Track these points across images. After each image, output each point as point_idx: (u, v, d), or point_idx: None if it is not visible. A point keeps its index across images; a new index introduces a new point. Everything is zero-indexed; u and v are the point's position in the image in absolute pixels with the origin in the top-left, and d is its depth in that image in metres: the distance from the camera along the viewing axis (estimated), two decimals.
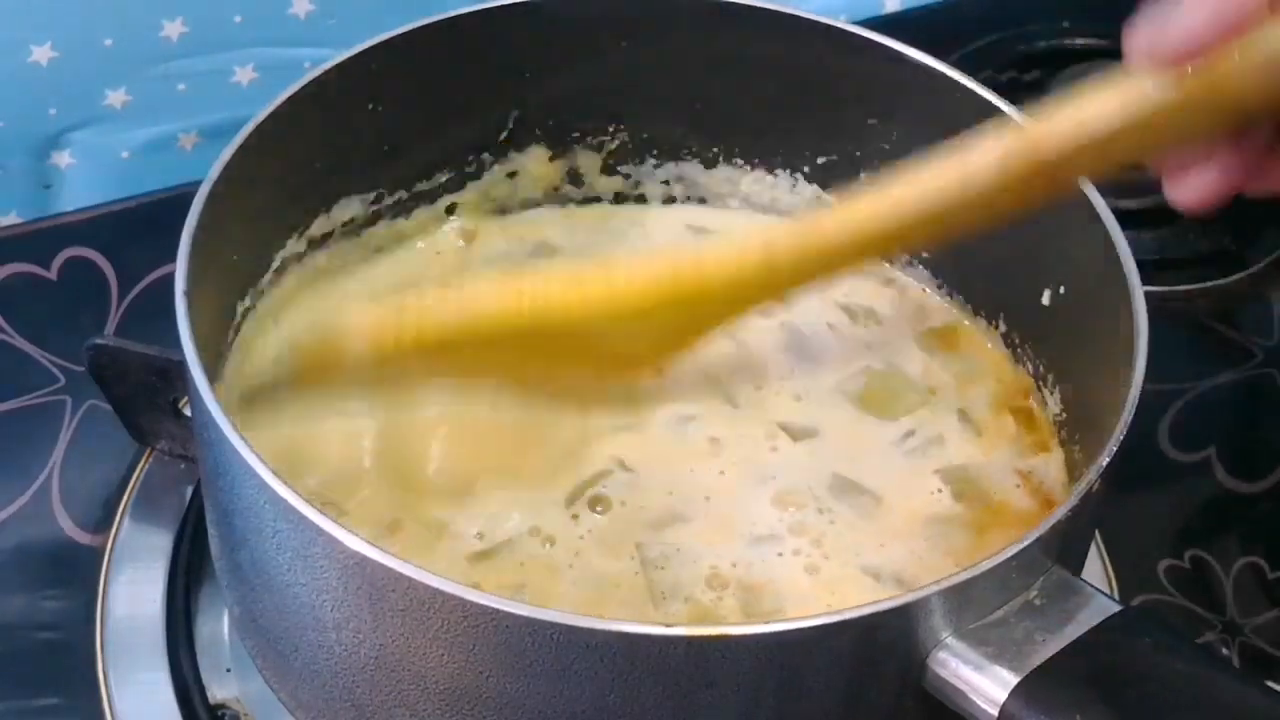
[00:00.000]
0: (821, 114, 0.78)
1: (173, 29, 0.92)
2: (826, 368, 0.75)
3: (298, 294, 0.75)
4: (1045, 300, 0.72)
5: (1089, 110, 0.59)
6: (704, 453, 0.71)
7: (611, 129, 0.81)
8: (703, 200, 0.82)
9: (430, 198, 0.79)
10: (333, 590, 0.58)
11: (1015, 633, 0.58)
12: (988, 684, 0.57)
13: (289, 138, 0.70)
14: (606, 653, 0.55)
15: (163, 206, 0.90)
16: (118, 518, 0.78)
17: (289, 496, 0.57)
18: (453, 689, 0.58)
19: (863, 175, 0.79)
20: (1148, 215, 0.93)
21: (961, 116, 0.73)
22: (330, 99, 0.71)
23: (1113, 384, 0.63)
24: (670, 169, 0.82)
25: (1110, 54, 1.02)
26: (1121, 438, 0.60)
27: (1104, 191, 0.68)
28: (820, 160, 0.80)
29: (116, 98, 0.94)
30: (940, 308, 0.78)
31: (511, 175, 0.81)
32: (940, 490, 0.70)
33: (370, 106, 0.74)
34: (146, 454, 0.80)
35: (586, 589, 0.66)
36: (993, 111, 0.72)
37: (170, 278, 0.63)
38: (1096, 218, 0.67)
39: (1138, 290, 0.65)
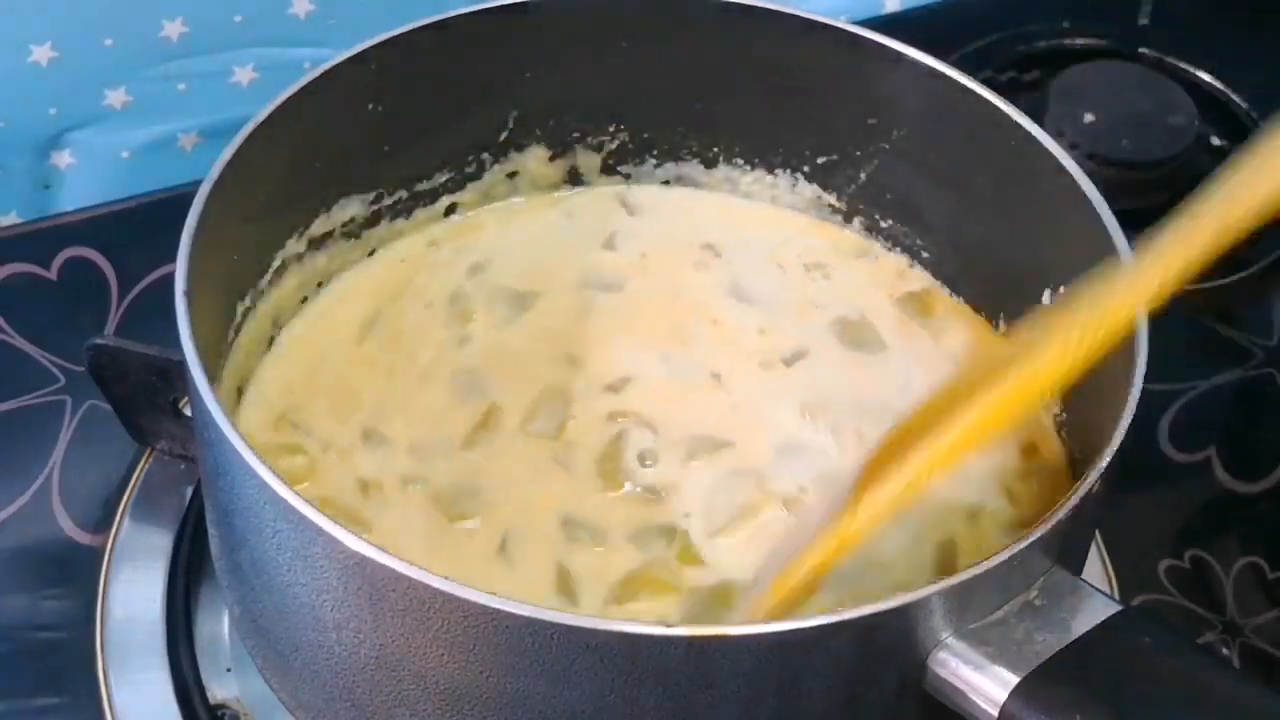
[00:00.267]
0: (822, 114, 0.78)
1: (173, 29, 0.92)
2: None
3: (298, 294, 0.75)
4: (1045, 300, 0.72)
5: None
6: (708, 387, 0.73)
7: (611, 129, 0.81)
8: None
9: (430, 198, 0.79)
10: (333, 590, 0.58)
11: (1015, 633, 0.58)
12: (988, 684, 0.57)
13: (289, 138, 0.70)
14: (606, 653, 0.55)
15: (163, 206, 0.90)
16: (118, 518, 0.78)
17: (289, 496, 0.57)
18: (453, 689, 0.58)
19: (863, 175, 0.79)
20: (1148, 215, 0.93)
21: (961, 116, 0.73)
22: (330, 99, 0.71)
23: (1113, 384, 0.63)
24: (670, 169, 0.82)
25: (1110, 54, 1.03)
26: (1121, 438, 0.60)
27: (1104, 191, 0.68)
28: (820, 160, 0.80)
29: (116, 98, 0.94)
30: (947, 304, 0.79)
31: (511, 175, 0.81)
32: None
33: (370, 106, 0.74)
34: (146, 454, 0.80)
35: None
36: (993, 111, 0.72)
37: (170, 278, 0.63)
38: (1096, 218, 0.67)
39: None
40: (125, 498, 0.79)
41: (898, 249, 0.79)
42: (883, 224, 0.80)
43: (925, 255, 0.79)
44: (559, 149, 0.81)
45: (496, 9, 0.75)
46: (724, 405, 0.72)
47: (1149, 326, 0.64)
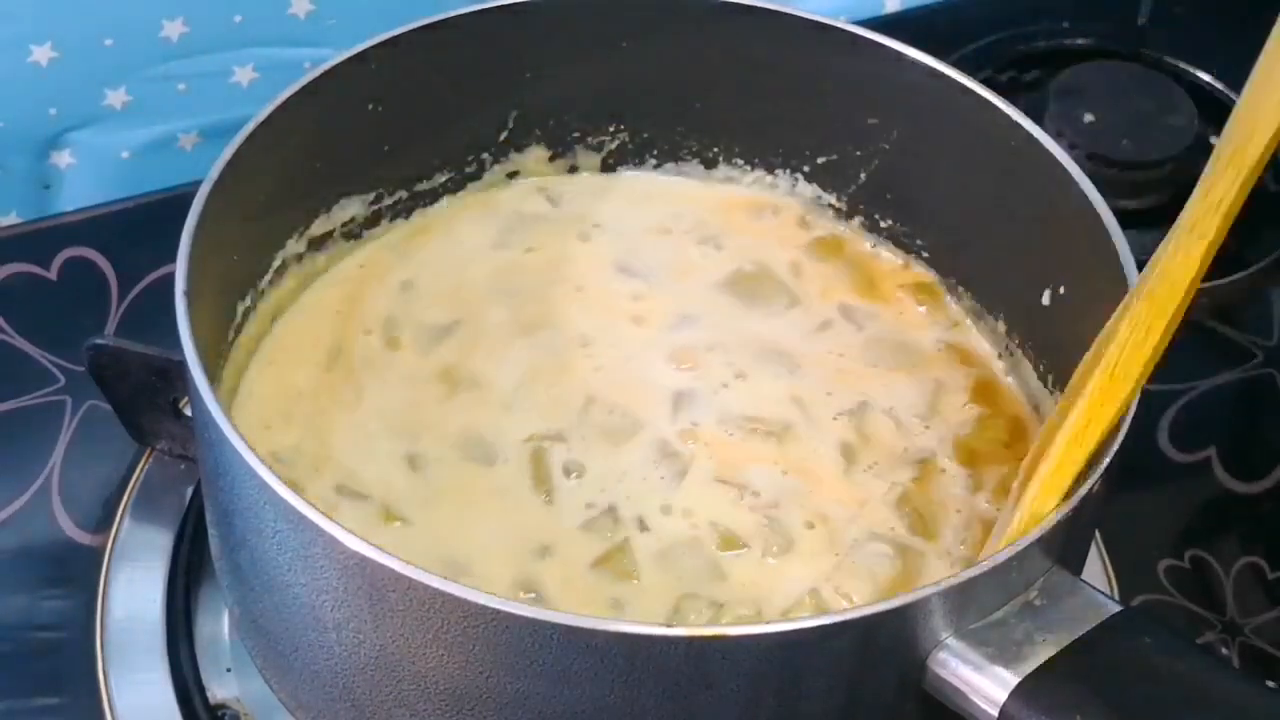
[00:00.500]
0: (821, 114, 0.78)
1: (173, 29, 0.92)
2: None
3: (298, 294, 0.75)
4: (1045, 300, 0.72)
5: None
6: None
7: (611, 129, 0.81)
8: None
9: (430, 198, 0.79)
10: (333, 590, 0.58)
11: (1015, 633, 0.58)
12: (988, 684, 0.57)
13: (289, 138, 0.70)
14: (606, 653, 0.55)
15: (163, 206, 0.90)
16: (118, 518, 0.78)
17: (289, 496, 0.57)
18: (453, 689, 0.58)
19: (863, 175, 0.79)
20: (1148, 215, 0.93)
21: (961, 116, 0.73)
22: (330, 99, 0.71)
23: None
24: (670, 169, 0.82)
25: (1110, 54, 1.03)
26: (1121, 438, 0.60)
27: (1104, 191, 0.68)
28: (820, 160, 0.80)
29: (116, 98, 0.94)
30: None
31: (511, 175, 0.81)
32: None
33: (370, 106, 0.74)
34: (146, 454, 0.80)
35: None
36: (992, 111, 0.72)
37: (170, 278, 0.63)
38: (1096, 218, 0.67)
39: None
40: (125, 498, 0.79)
41: (897, 249, 0.79)
42: (883, 224, 0.80)
43: (925, 255, 0.79)
44: (559, 149, 0.81)
45: (496, 9, 0.75)
46: (619, 381, 0.73)
47: None
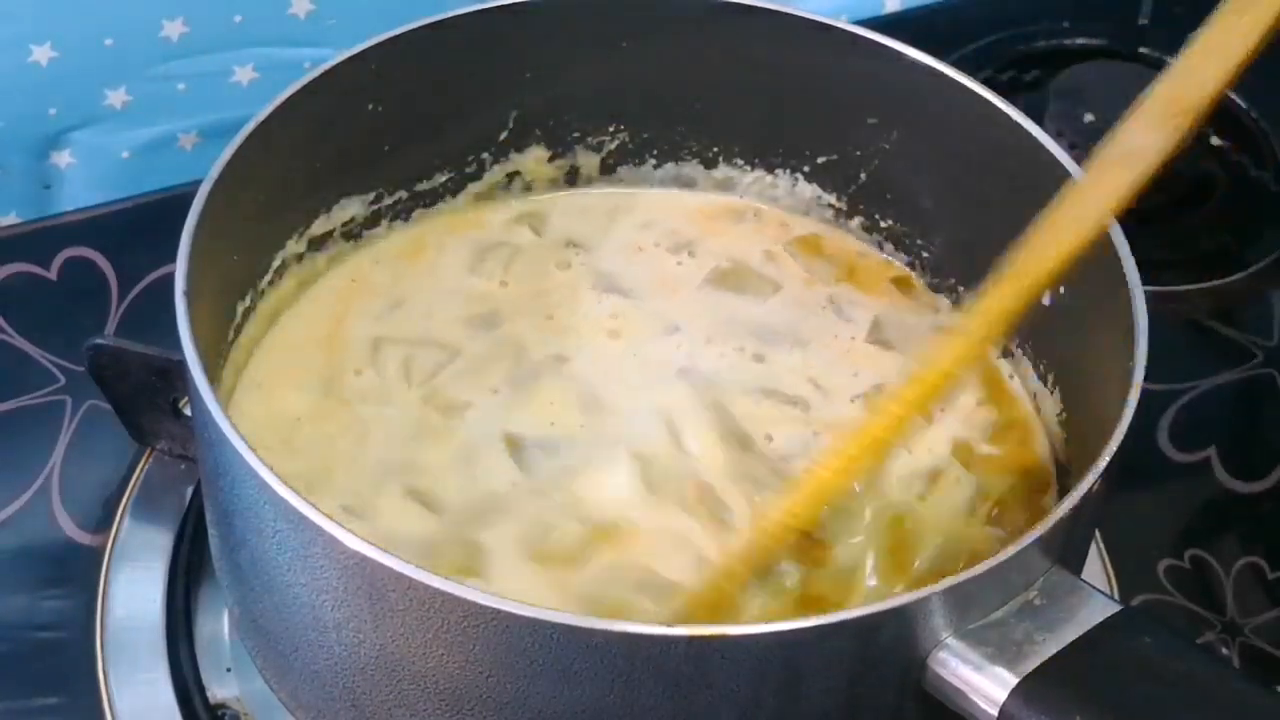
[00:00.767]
0: (821, 114, 0.78)
1: (173, 29, 0.92)
2: None
3: (297, 294, 0.75)
4: (1045, 300, 0.72)
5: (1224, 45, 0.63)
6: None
7: (611, 129, 0.81)
8: None
9: (430, 198, 0.79)
10: (333, 590, 0.58)
11: (1015, 633, 0.58)
12: (988, 684, 0.57)
13: (289, 138, 0.70)
14: (607, 653, 0.55)
15: (163, 206, 0.90)
16: (118, 518, 0.78)
17: (289, 497, 0.57)
18: (453, 689, 0.58)
19: (863, 175, 0.79)
20: (1148, 215, 0.93)
21: (961, 116, 0.73)
22: (330, 99, 0.71)
23: (1113, 384, 0.63)
24: (670, 169, 0.82)
25: (1110, 54, 1.03)
26: (1121, 438, 0.61)
27: None
28: (820, 160, 0.80)
29: (116, 98, 0.94)
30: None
31: (511, 175, 0.81)
32: None
33: (370, 106, 0.74)
34: (146, 454, 0.80)
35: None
36: (992, 111, 0.72)
37: (170, 278, 0.63)
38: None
39: (1138, 290, 0.65)
40: (125, 498, 0.79)
41: (897, 249, 0.79)
42: (883, 224, 0.80)
43: (925, 255, 0.79)
44: (559, 149, 0.81)
45: (496, 9, 0.75)
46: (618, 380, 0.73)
47: (1149, 326, 0.64)
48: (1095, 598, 0.59)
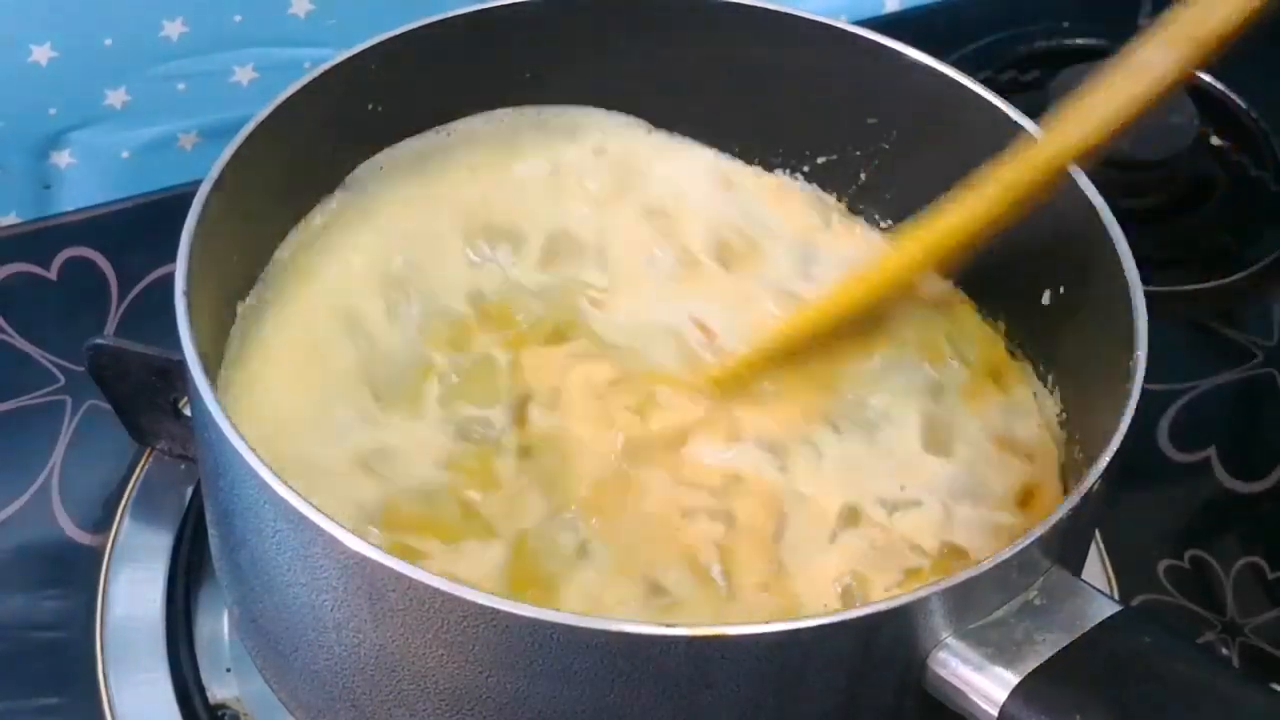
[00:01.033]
0: (821, 114, 0.78)
1: (173, 29, 0.92)
2: None
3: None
4: (1045, 300, 0.72)
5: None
6: None
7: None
8: None
9: None
10: (333, 590, 0.58)
11: (1015, 633, 0.58)
12: (988, 684, 0.57)
13: (289, 138, 0.70)
14: (606, 653, 0.55)
15: (163, 206, 0.90)
16: (118, 518, 0.78)
17: (289, 496, 0.57)
18: (453, 689, 0.58)
19: (862, 175, 0.79)
20: (1148, 215, 0.93)
21: (961, 116, 0.73)
22: (330, 99, 0.71)
23: (1113, 384, 0.63)
24: None
25: (1110, 54, 1.03)
26: (1121, 438, 0.61)
27: (1104, 191, 0.68)
28: (820, 160, 0.80)
29: (116, 98, 0.94)
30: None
31: None
32: None
33: (370, 106, 0.74)
34: (146, 454, 0.80)
35: None
36: (992, 111, 0.72)
37: (170, 278, 0.63)
38: (1096, 218, 0.67)
39: (1138, 290, 0.65)
40: (125, 498, 0.79)
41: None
42: (882, 224, 0.80)
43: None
44: None
45: (496, 9, 0.75)
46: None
47: (1149, 326, 0.64)
48: (1095, 598, 0.59)
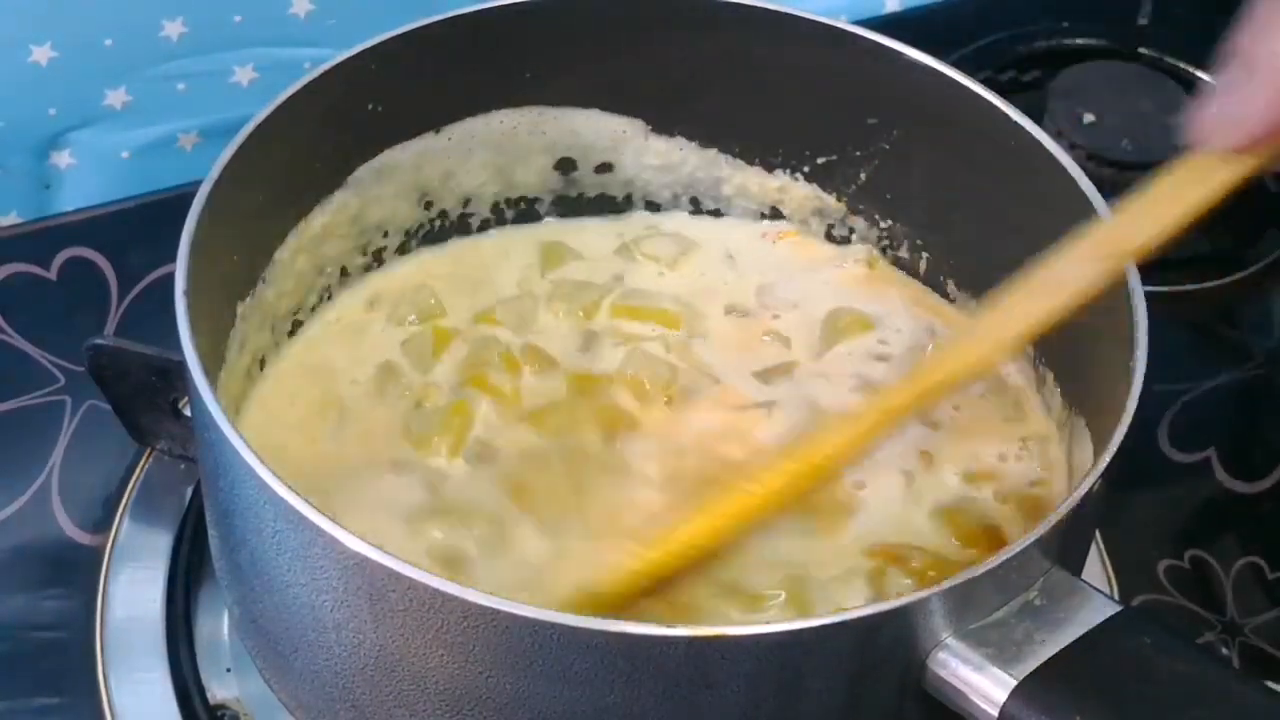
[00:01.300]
0: (821, 114, 0.78)
1: (173, 29, 0.92)
2: None
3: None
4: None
5: (1167, 204, 0.63)
6: None
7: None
8: (698, 200, 0.82)
9: None
10: (333, 590, 0.58)
11: (1015, 633, 0.58)
12: (988, 684, 0.57)
13: (289, 138, 0.70)
14: (606, 653, 0.55)
15: (163, 206, 0.90)
16: (118, 518, 0.78)
17: (289, 497, 0.57)
18: (453, 689, 0.58)
19: (862, 175, 0.79)
20: None
21: (961, 116, 0.73)
22: (330, 99, 0.71)
23: (1113, 384, 0.63)
24: None
25: (1110, 54, 1.03)
26: (1121, 438, 0.61)
27: (1104, 191, 0.68)
28: (820, 160, 0.80)
29: (116, 98, 0.94)
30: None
31: None
32: None
33: (370, 106, 0.74)
34: (146, 454, 0.80)
35: None
36: (992, 111, 0.72)
37: (170, 278, 0.63)
38: (1097, 218, 0.67)
39: (1138, 290, 0.65)
40: (125, 498, 0.79)
41: (897, 249, 0.79)
42: (882, 224, 0.80)
43: (925, 255, 0.79)
44: None
45: (496, 9, 0.75)
46: None
47: (1149, 326, 0.64)
48: (1095, 598, 0.59)
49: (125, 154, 0.95)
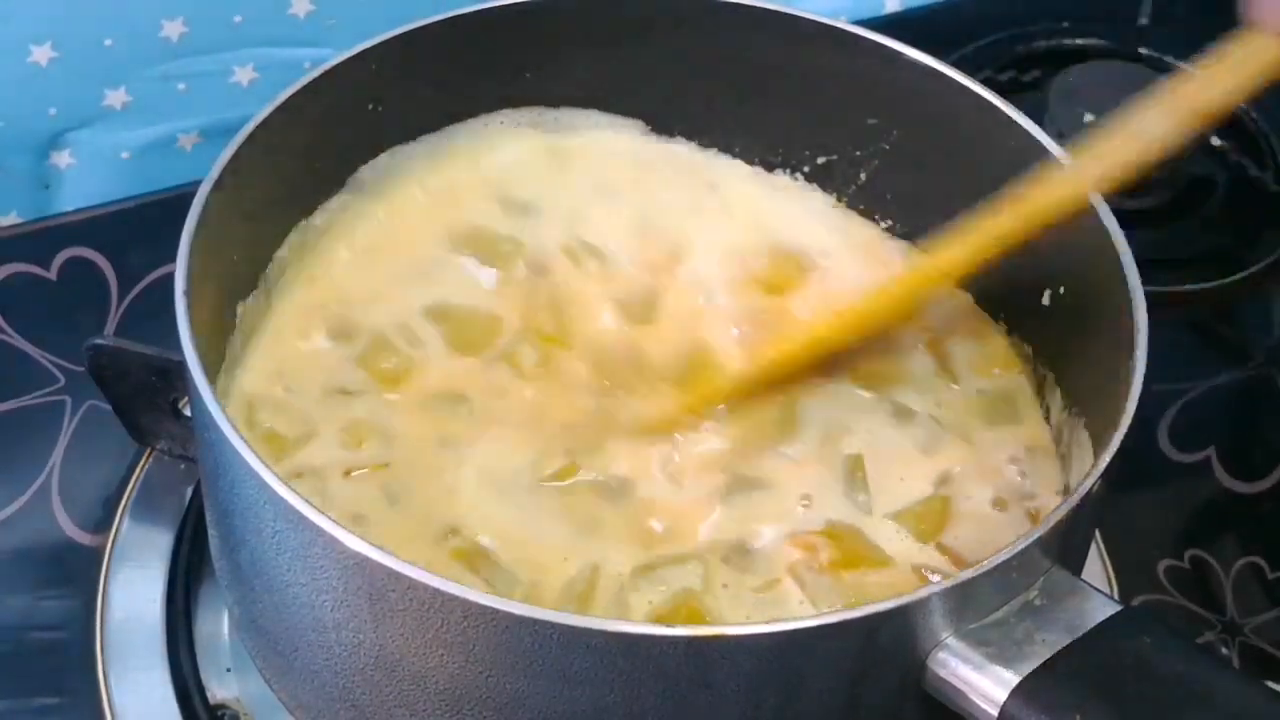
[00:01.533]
0: (821, 114, 0.78)
1: (173, 29, 0.92)
2: None
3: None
4: (1045, 300, 0.72)
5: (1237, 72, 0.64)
6: None
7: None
8: None
9: None
10: (333, 590, 0.58)
11: (1015, 633, 0.58)
12: (988, 684, 0.57)
13: (289, 138, 0.70)
14: (606, 653, 0.55)
15: (163, 206, 0.90)
16: (118, 518, 0.78)
17: (289, 497, 0.57)
18: (453, 689, 0.58)
19: (862, 175, 0.79)
20: (1148, 215, 0.93)
21: (961, 116, 0.73)
22: (330, 99, 0.71)
23: (1113, 384, 0.63)
24: None
25: (1110, 54, 1.03)
26: (1121, 438, 0.61)
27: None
28: (820, 160, 0.80)
29: (116, 98, 0.94)
30: None
31: None
32: None
33: (370, 106, 0.74)
34: (146, 454, 0.80)
35: None
36: (992, 111, 0.72)
37: (170, 278, 0.63)
38: (1096, 218, 0.67)
39: (1138, 290, 0.65)
40: (125, 498, 0.79)
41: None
42: (882, 224, 0.80)
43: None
44: None
45: (497, 9, 0.75)
46: None
47: (1149, 326, 0.64)
48: (1095, 598, 0.59)
49: (125, 154, 0.95)
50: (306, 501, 0.57)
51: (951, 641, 0.57)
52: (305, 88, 0.70)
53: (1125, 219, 0.67)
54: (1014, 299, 0.74)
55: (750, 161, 0.81)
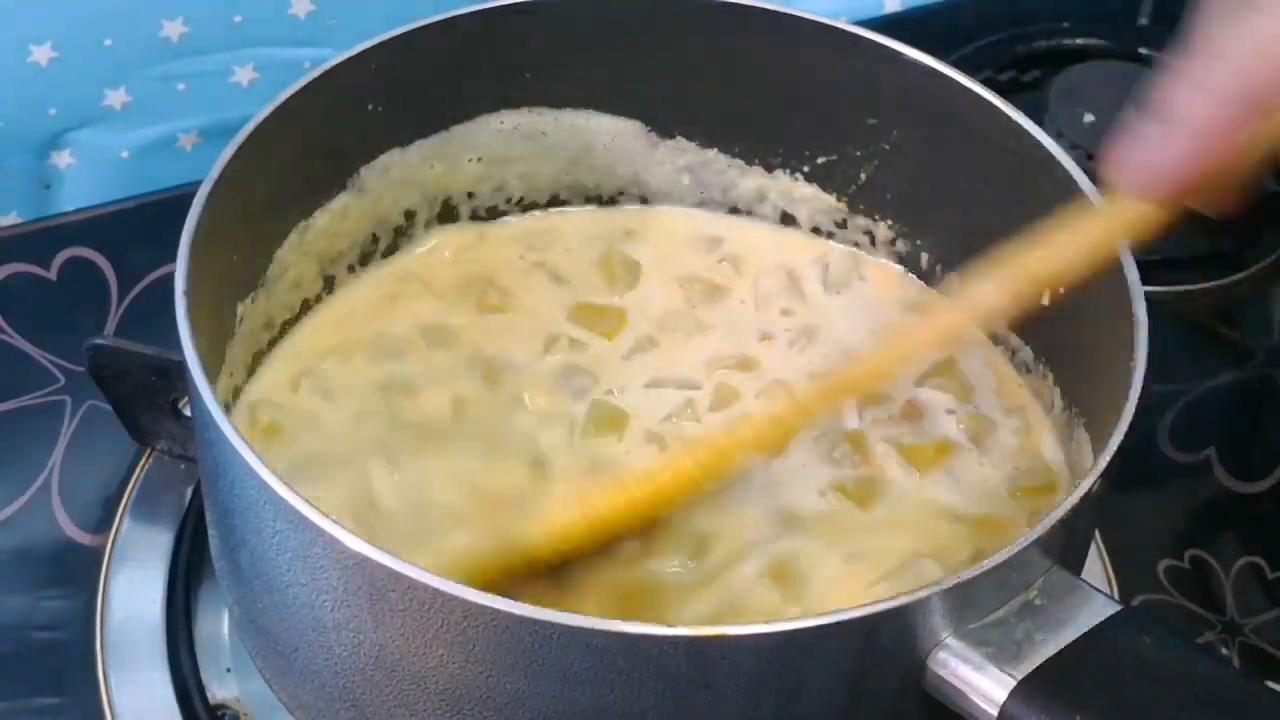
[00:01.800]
0: (821, 114, 0.78)
1: (173, 29, 0.92)
2: None
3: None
4: (1045, 300, 0.72)
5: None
6: None
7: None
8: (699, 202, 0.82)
9: None
10: (333, 590, 0.58)
11: (1015, 633, 0.58)
12: (988, 684, 0.57)
13: (289, 138, 0.70)
14: (606, 653, 0.55)
15: (163, 206, 0.90)
16: (118, 518, 0.78)
17: (289, 496, 0.57)
18: (453, 689, 0.58)
19: (862, 175, 0.79)
20: None
21: (961, 116, 0.73)
22: (330, 99, 0.71)
23: (1113, 384, 0.63)
24: None
25: (1110, 54, 1.03)
26: (1121, 438, 0.61)
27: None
28: (820, 160, 0.80)
29: (116, 98, 0.94)
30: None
31: None
32: None
33: (370, 106, 0.74)
34: (146, 454, 0.80)
35: None
36: (992, 111, 0.72)
37: (170, 278, 0.63)
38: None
39: (1138, 290, 0.65)
40: (125, 498, 0.79)
41: (897, 249, 0.80)
42: (882, 224, 0.80)
43: (925, 255, 0.79)
44: None
45: (496, 9, 0.75)
46: None
47: (1149, 326, 0.64)
48: (1095, 598, 0.59)
49: (125, 154, 0.96)
50: (306, 501, 0.57)
51: (951, 641, 0.57)
52: (305, 88, 0.70)
53: None
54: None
55: (750, 161, 0.81)
